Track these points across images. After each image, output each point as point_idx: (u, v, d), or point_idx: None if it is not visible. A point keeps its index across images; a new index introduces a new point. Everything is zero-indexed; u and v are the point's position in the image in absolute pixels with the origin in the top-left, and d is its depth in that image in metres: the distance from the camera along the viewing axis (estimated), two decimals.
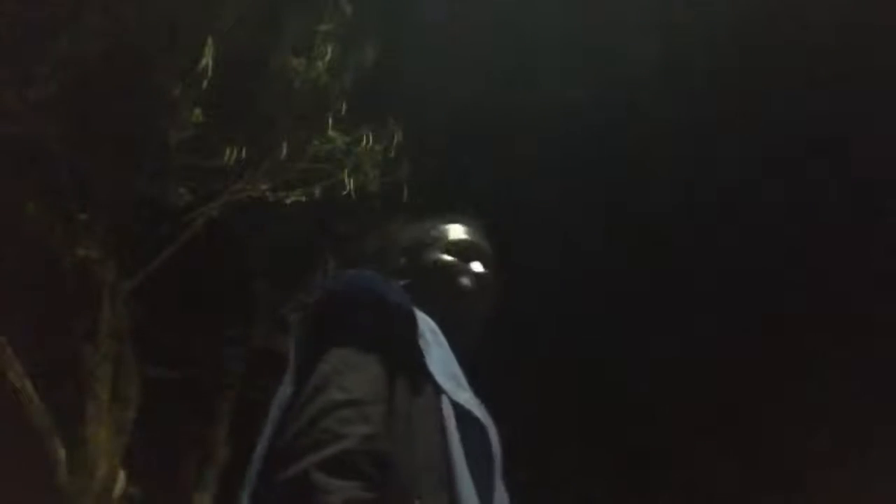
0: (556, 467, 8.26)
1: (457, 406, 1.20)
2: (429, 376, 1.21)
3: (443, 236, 1.54)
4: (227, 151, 5.23)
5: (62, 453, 5.34)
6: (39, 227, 5.44)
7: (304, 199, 5.58)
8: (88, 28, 5.11)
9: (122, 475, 5.47)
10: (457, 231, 1.55)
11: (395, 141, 5.71)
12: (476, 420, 1.22)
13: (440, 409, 1.19)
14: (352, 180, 5.59)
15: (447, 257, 1.50)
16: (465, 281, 1.46)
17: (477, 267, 1.49)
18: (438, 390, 1.20)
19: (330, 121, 5.62)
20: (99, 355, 5.52)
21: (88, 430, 5.42)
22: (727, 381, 8.51)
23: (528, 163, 8.13)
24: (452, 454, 1.14)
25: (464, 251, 1.51)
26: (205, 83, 4.97)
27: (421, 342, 1.24)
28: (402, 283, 1.41)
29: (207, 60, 4.93)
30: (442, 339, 1.31)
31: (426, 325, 1.29)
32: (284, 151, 5.45)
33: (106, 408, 5.48)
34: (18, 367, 5.32)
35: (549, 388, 8.27)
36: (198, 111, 5.09)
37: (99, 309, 5.58)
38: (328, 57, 5.56)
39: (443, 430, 1.17)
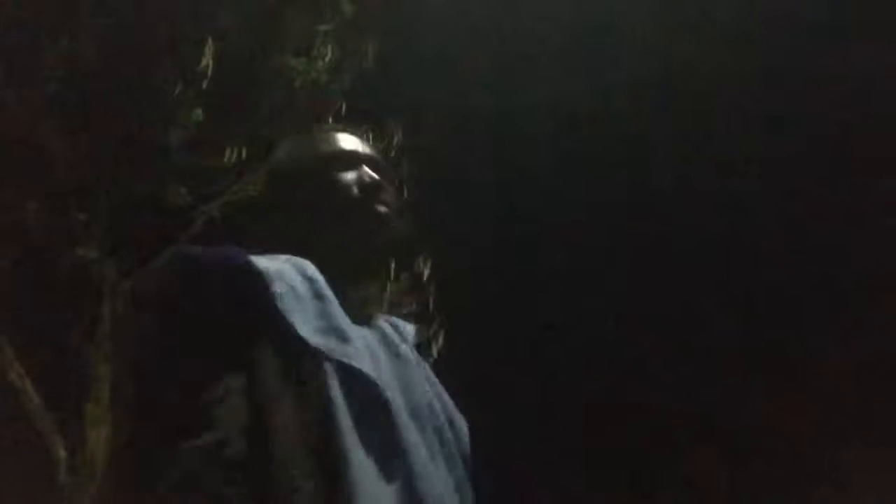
0: (556, 467, 8.25)
1: (339, 364, 0.98)
2: (293, 336, 0.99)
3: (323, 151, 1.24)
4: (227, 151, 5.23)
5: (62, 453, 5.34)
6: (39, 227, 5.43)
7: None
8: (88, 28, 5.11)
9: None
10: (335, 141, 1.25)
11: (395, 141, 5.71)
12: (363, 374, 0.99)
13: (317, 374, 0.97)
14: None
15: (340, 176, 1.21)
16: (379, 204, 1.19)
17: (376, 176, 1.21)
18: (313, 353, 0.98)
19: (330, 121, 5.62)
20: (99, 355, 5.51)
21: (88, 430, 5.41)
22: (727, 381, 8.51)
23: (528, 162, 8.13)
24: (337, 425, 0.93)
25: (355, 161, 1.22)
26: (205, 83, 4.97)
27: (281, 305, 1.00)
28: (289, 221, 1.19)
29: (207, 60, 4.93)
30: (324, 288, 1.06)
31: (292, 278, 1.05)
32: None
33: (106, 408, 5.48)
34: (18, 368, 5.32)
35: (548, 388, 8.27)
36: (198, 111, 5.09)
37: (99, 309, 5.58)
38: (328, 57, 5.56)
39: (322, 400, 0.95)
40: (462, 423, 1.18)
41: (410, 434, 1.02)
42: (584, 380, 8.52)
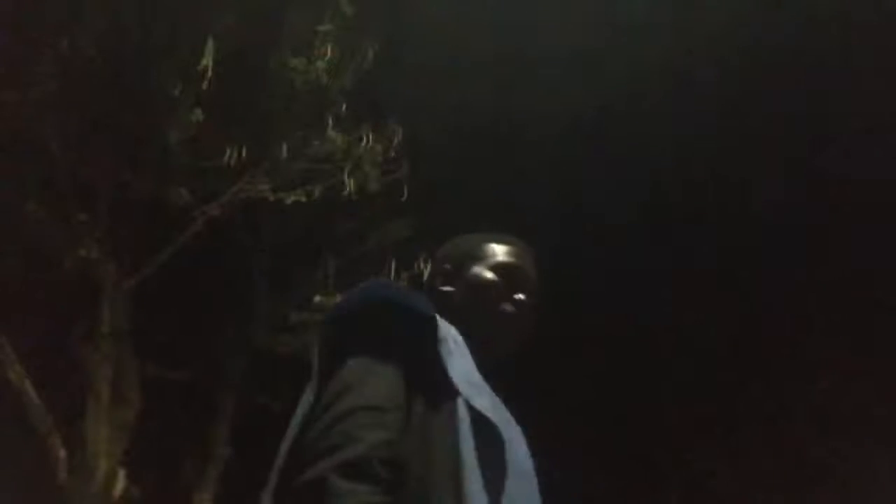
0: (556, 467, 8.24)
1: (472, 410, 1.19)
2: (447, 381, 1.20)
3: (493, 254, 1.50)
4: (227, 151, 5.23)
5: (62, 453, 5.34)
6: (39, 227, 5.44)
7: (304, 199, 5.58)
8: (88, 28, 5.12)
9: (122, 475, 5.47)
10: (508, 252, 1.51)
11: (395, 141, 5.72)
12: (493, 426, 1.20)
13: (455, 413, 1.17)
14: (352, 180, 5.59)
15: (493, 276, 1.47)
16: (507, 307, 1.44)
17: (520, 295, 1.46)
18: (455, 394, 1.19)
19: (330, 121, 5.62)
20: (99, 355, 5.52)
21: (88, 430, 5.42)
22: (727, 381, 8.51)
23: (528, 162, 8.13)
24: (464, 460, 1.13)
25: (510, 275, 1.48)
26: (205, 83, 4.97)
27: (442, 348, 1.24)
28: (443, 289, 1.46)
29: (207, 60, 4.93)
30: (465, 350, 1.29)
31: (449, 333, 1.28)
32: (284, 151, 5.45)
33: (106, 408, 5.48)
34: (18, 368, 5.32)
35: (548, 388, 8.27)
36: (198, 111, 5.09)
37: (99, 309, 5.58)
38: (328, 57, 5.56)
39: (456, 435, 1.15)
40: None
41: (514, 480, 1.20)
42: (584, 380, 8.52)
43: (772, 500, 8.62)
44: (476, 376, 1.27)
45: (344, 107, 5.66)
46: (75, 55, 5.08)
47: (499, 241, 1.53)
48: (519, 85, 7.98)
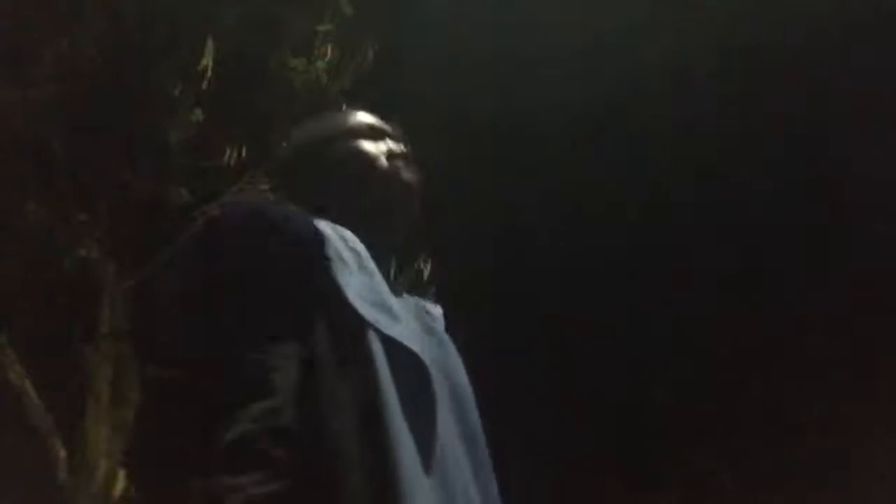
0: (556, 467, 8.25)
1: (388, 341, 0.96)
2: (348, 308, 0.96)
3: (346, 124, 1.26)
4: (227, 151, 5.22)
5: (62, 453, 5.34)
6: (39, 227, 5.43)
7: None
8: (88, 28, 5.11)
9: (122, 475, 5.47)
10: (356, 116, 1.28)
11: None
12: (413, 355, 0.97)
13: (367, 349, 0.94)
14: None
15: (361, 143, 1.22)
16: (391, 165, 1.21)
17: (396, 148, 1.24)
18: (363, 324, 0.96)
19: None
20: (99, 355, 5.51)
21: (88, 430, 5.41)
22: (727, 381, 8.51)
23: (528, 162, 8.13)
24: (385, 405, 0.91)
25: (377, 134, 1.25)
26: (205, 83, 4.97)
27: (333, 266, 0.99)
28: (315, 184, 1.19)
29: (207, 60, 4.93)
30: (367, 260, 1.04)
31: (342, 245, 1.03)
32: None
33: (106, 408, 5.48)
34: (18, 368, 5.32)
35: (548, 388, 8.27)
36: (198, 111, 5.09)
37: (99, 309, 5.58)
38: (328, 57, 5.56)
39: (371, 377, 0.93)
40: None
41: (449, 416, 1.01)
42: (584, 379, 8.51)
43: (772, 500, 8.61)
44: (385, 294, 1.02)
45: (344, 107, 5.66)
46: (75, 55, 5.08)
47: (340, 114, 1.32)
48: (519, 85, 7.98)
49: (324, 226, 1.04)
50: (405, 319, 1.03)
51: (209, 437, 0.86)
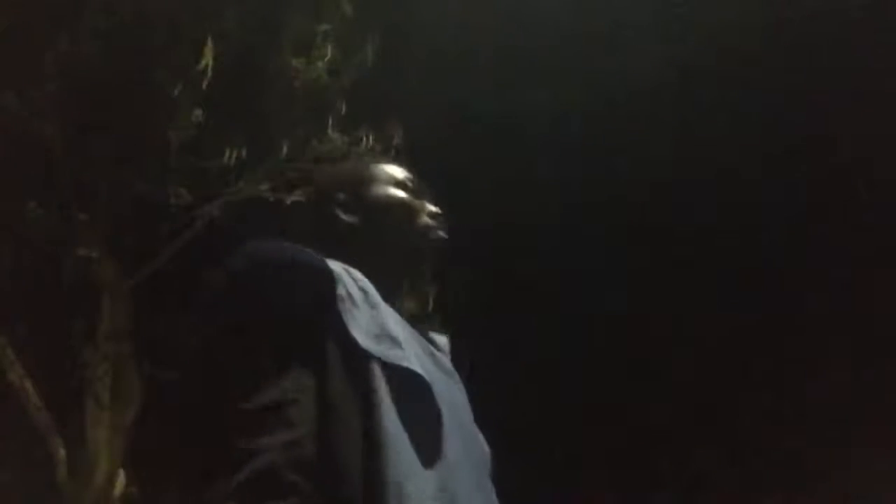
0: (556, 467, 8.25)
1: (388, 367, 1.02)
2: (352, 341, 1.02)
3: (388, 173, 1.32)
4: (227, 151, 5.23)
5: (62, 453, 5.34)
6: (39, 227, 5.43)
7: (304, 199, 5.56)
8: (88, 28, 5.11)
9: (122, 475, 5.47)
10: (399, 170, 1.33)
11: (395, 141, 5.71)
12: (414, 375, 1.03)
13: (369, 379, 1.00)
14: None
15: (401, 193, 1.29)
16: (424, 221, 1.27)
17: (433, 207, 1.30)
18: (366, 356, 1.02)
19: (330, 121, 5.62)
20: (99, 355, 5.51)
21: (88, 430, 5.41)
22: (727, 381, 8.51)
23: (528, 162, 8.13)
24: (385, 430, 0.96)
25: (416, 190, 1.31)
26: (205, 83, 4.97)
27: (341, 307, 1.05)
28: (345, 218, 1.26)
29: (207, 60, 4.93)
30: (374, 296, 1.10)
31: (352, 285, 1.09)
32: (284, 151, 5.45)
33: (106, 408, 5.48)
34: (18, 368, 5.32)
35: (548, 388, 8.27)
36: (198, 111, 5.09)
37: (99, 309, 5.58)
38: (328, 57, 5.56)
39: (372, 406, 0.98)
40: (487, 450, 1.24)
41: (454, 444, 1.06)
42: (584, 380, 8.52)
43: (772, 500, 8.62)
44: (388, 321, 1.08)
45: (344, 107, 5.66)
46: (75, 55, 5.08)
47: (380, 162, 1.36)
48: (519, 85, 7.98)
49: (335, 266, 1.10)
50: (408, 345, 1.08)
51: (235, 467, 0.91)
